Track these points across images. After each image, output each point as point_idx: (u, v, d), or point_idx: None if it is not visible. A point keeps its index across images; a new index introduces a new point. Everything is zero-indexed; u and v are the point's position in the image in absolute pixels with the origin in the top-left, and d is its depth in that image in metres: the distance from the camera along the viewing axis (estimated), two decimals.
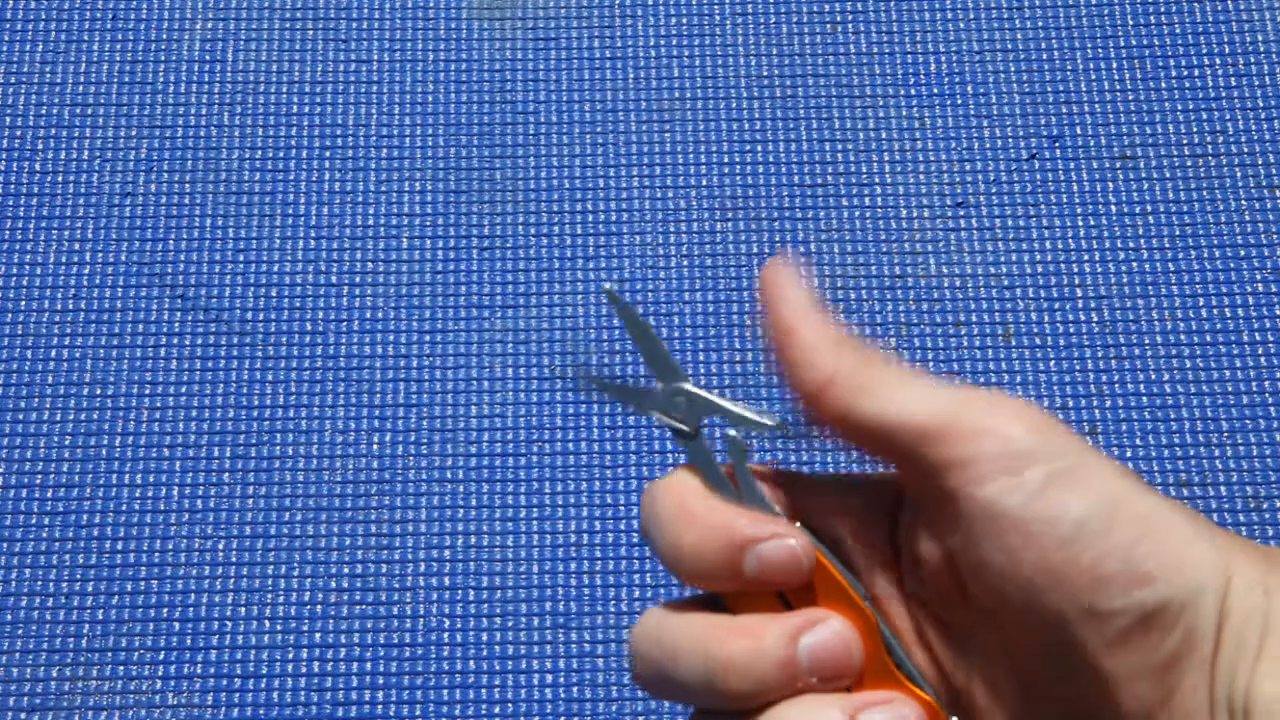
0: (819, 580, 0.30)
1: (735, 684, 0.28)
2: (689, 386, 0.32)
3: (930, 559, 0.29)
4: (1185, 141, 0.89)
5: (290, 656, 0.77)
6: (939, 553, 0.29)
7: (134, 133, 0.90)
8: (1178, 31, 0.92)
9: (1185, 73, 0.91)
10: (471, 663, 0.77)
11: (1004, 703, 0.29)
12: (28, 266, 0.86)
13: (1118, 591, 0.26)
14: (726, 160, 0.89)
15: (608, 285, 0.33)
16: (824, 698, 0.29)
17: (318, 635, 0.78)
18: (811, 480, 0.31)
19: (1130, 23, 0.93)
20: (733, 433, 0.31)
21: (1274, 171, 0.88)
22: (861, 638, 0.29)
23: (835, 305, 0.85)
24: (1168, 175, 0.88)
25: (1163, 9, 0.93)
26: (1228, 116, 0.90)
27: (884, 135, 0.90)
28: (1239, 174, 0.88)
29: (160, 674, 0.77)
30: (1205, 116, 0.90)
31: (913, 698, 0.29)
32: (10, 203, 0.88)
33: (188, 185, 0.88)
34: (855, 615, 0.29)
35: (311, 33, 0.93)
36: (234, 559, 0.79)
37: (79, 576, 0.79)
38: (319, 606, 0.78)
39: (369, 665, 0.77)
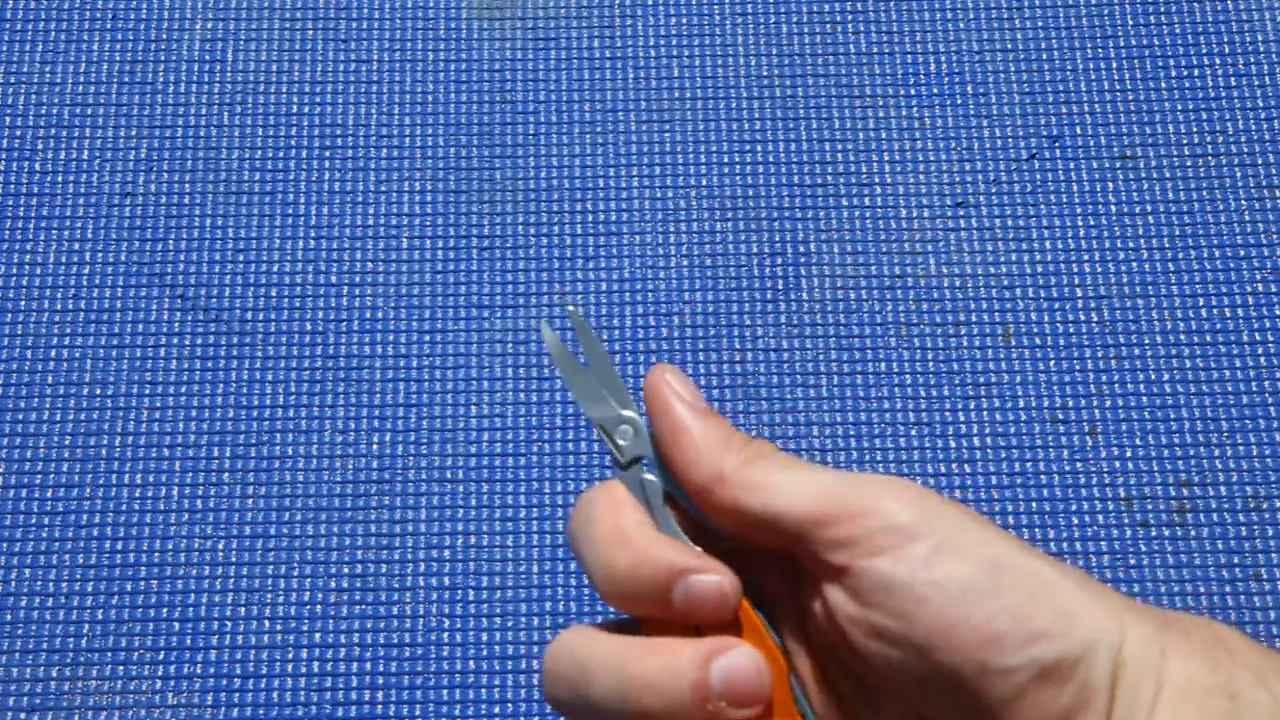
0: (738, 620, 0.31)
1: (647, 702, 0.29)
2: (638, 419, 0.33)
3: (827, 626, 0.30)
4: (1185, 141, 0.89)
5: (290, 656, 0.77)
6: (835, 622, 0.30)
7: (134, 133, 0.90)
8: (1178, 31, 0.92)
9: (1185, 73, 0.91)
10: (471, 663, 0.77)
11: None
12: (28, 266, 0.86)
13: (1010, 649, 0.27)
14: (726, 160, 0.89)
15: (570, 307, 0.34)
16: None
17: (318, 635, 0.78)
18: (719, 533, 0.32)
19: (1130, 23, 0.93)
20: (651, 477, 0.32)
21: (1274, 171, 0.88)
22: (773, 674, 0.30)
23: (833, 308, 0.85)
24: (1168, 175, 0.88)
25: (1163, 9, 0.93)
26: (1228, 116, 0.90)
27: (884, 135, 0.90)
28: (1239, 174, 0.88)
29: (160, 674, 0.77)
30: (1205, 116, 0.90)
31: None
32: (10, 203, 0.88)
33: (188, 185, 0.88)
34: (768, 654, 0.30)
35: (311, 33, 0.93)
36: (234, 559, 0.79)
37: (79, 576, 0.79)
38: (319, 606, 0.78)
39: (369, 665, 0.77)
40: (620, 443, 0.33)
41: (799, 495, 0.30)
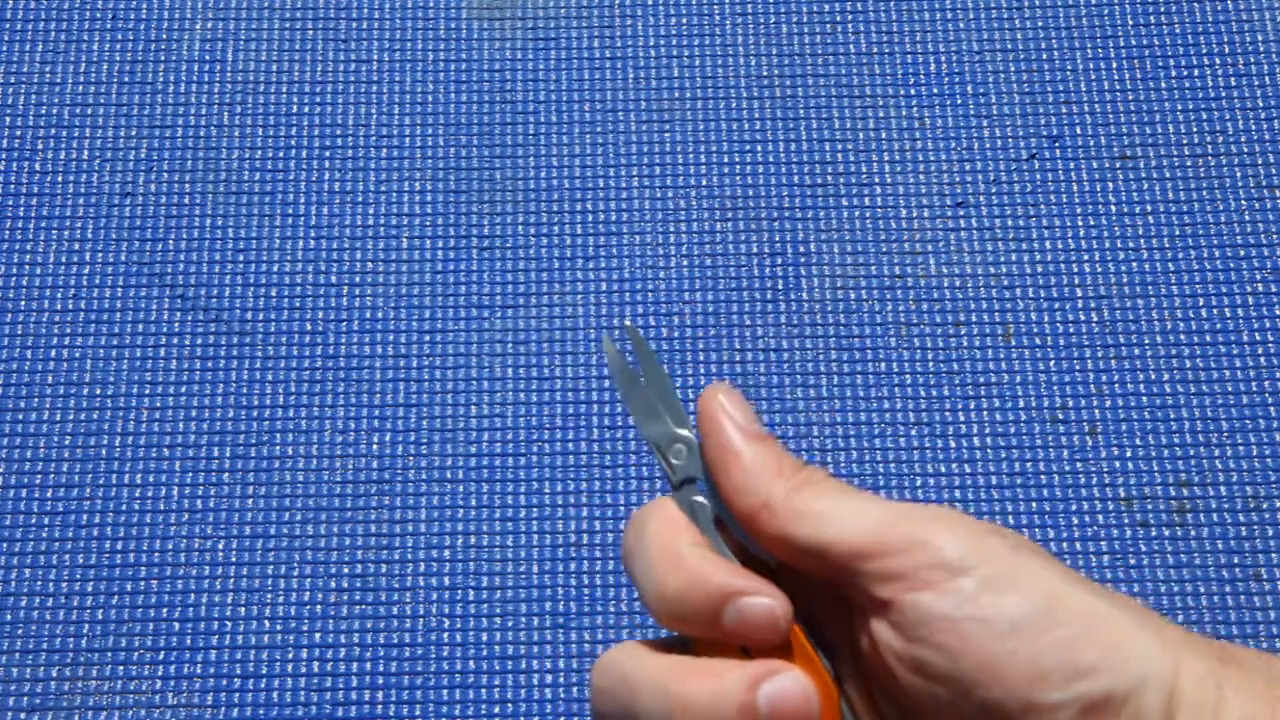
0: (789, 644, 0.30)
1: None
2: (693, 438, 0.33)
3: (873, 659, 0.30)
4: (1185, 141, 0.89)
5: (290, 656, 0.77)
6: (881, 655, 0.30)
7: (134, 133, 0.90)
8: (1178, 31, 0.92)
9: (1185, 73, 0.91)
10: (471, 663, 0.77)
11: None
12: (28, 266, 0.86)
13: (1056, 685, 0.27)
14: (726, 160, 0.89)
15: (627, 323, 0.33)
16: None
17: (318, 635, 0.78)
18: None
19: (1130, 23, 0.93)
20: (702, 499, 0.32)
21: (1274, 171, 0.88)
22: (821, 701, 0.30)
23: (833, 308, 0.85)
24: (1168, 175, 0.88)
25: (1163, 9, 0.93)
26: (1228, 116, 0.90)
27: (884, 135, 0.90)
28: (1239, 174, 0.88)
29: (160, 674, 0.77)
30: (1205, 116, 0.90)
31: None
32: (10, 203, 0.88)
33: (188, 185, 0.88)
34: (818, 679, 0.30)
35: (311, 33, 0.93)
36: (234, 559, 0.79)
37: (79, 576, 0.79)
38: (319, 606, 0.78)
39: (369, 665, 0.77)
40: (674, 462, 0.33)
41: (847, 527, 0.29)
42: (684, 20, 0.93)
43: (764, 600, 0.30)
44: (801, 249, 0.87)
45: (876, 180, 0.88)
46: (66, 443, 0.82)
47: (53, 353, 0.84)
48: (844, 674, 0.31)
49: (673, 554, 0.31)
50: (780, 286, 0.86)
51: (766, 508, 0.30)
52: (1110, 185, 0.88)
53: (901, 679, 0.29)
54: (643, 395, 0.33)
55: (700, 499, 0.32)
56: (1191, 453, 0.81)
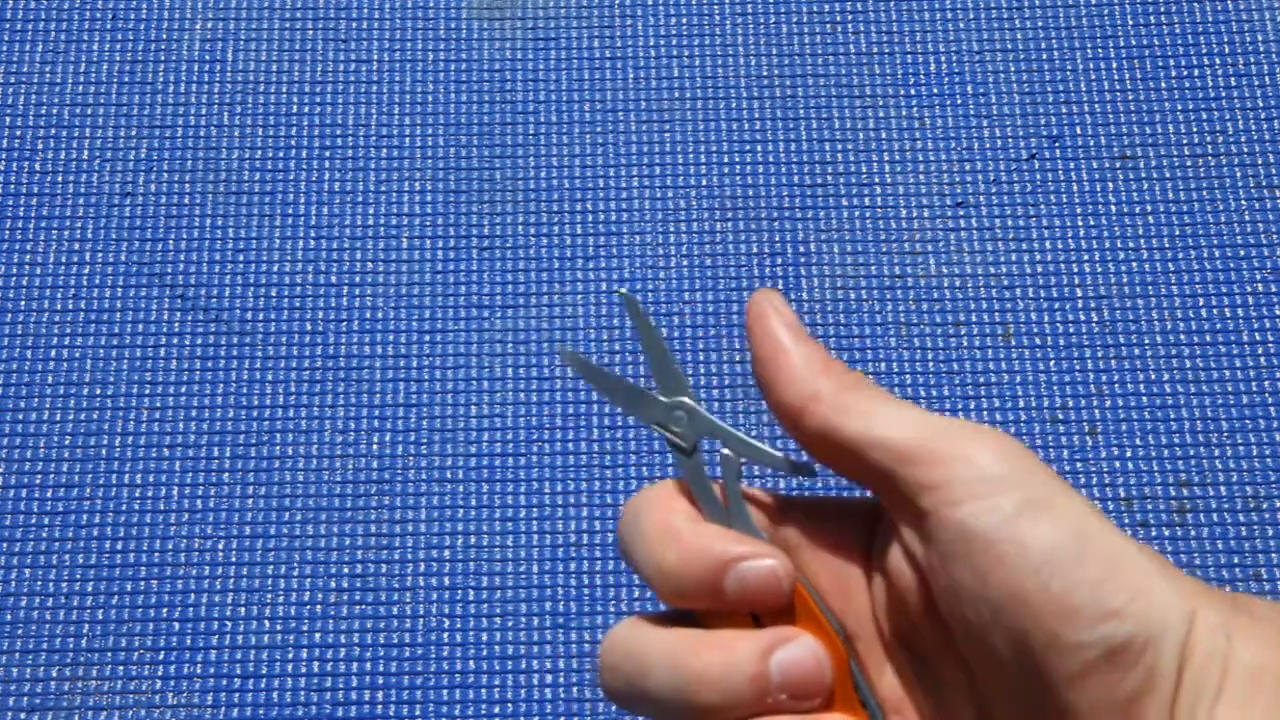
0: (796, 607, 0.30)
1: (705, 697, 0.29)
2: (691, 402, 0.32)
3: (901, 581, 0.30)
4: (1185, 141, 0.89)
5: (290, 656, 0.77)
6: (911, 574, 0.29)
7: (134, 133, 0.90)
8: (1178, 31, 0.92)
9: (1185, 73, 0.91)
10: (471, 663, 0.77)
11: None
12: (28, 266, 0.86)
13: (1085, 624, 0.27)
14: (726, 160, 0.89)
15: (622, 289, 0.33)
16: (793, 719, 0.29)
17: (318, 635, 0.78)
18: (794, 503, 0.32)
19: (1130, 23, 0.93)
20: (727, 452, 0.32)
21: (1274, 171, 0.88)
22: (832, 663, 0.30)
23: (833, 308, 0.85)
24: (1168, 175, 0.88)
25: (1163, 9, 0.93)
26: (1228, 116, 0.90)
27: (884, 135, 0.90)
28: (1239, 174, 0.88)
29: (160, 674, 0.77)
30: (1205, 116, 0.90)
31: None
32: (10, 203, 0.88)
33: (188, 185, 0.88)
34: (827, 642, 0.30)
35: (311, 33, 0.93)
36: (234, 559, 0.79)
37: (79, 576, 0.79)
38: (319, 606, 0.78)
39: (369, 665, 0.77)
40: (677, 430, 0.32)
41: (893, 427, 0.29)
42: (684, 20, 0.93)
43: (765, 562, 0.29)
44: (801, 249, 0.87)
45: (876, 180, 0.88)
46: (66, 443, 0.82)
47: (53, 353, 0.84)
48: (858, 630, 0.31)
49: (669, 529, 0.30)
50: (780, 286, 0.86)
51: (815, 399, 0.30)
52: (1110, 185, 0.88)
53: (922, 613, 0.29)
54: (617, 384, 0.33)
55: (726, 451, 0.32)
56: (1191, 453, 0.81)
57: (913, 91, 0.91)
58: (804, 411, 0.30)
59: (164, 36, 0.93)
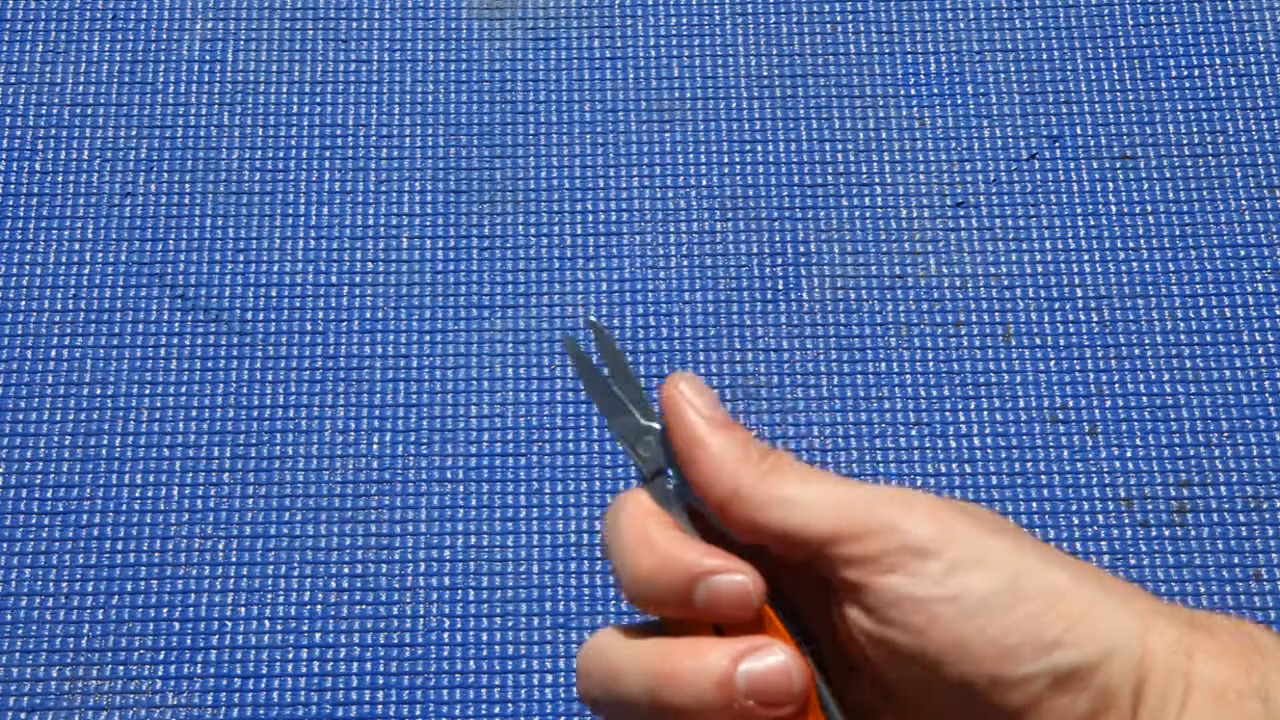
0: (763, 622, 0.31)
1: (674, 698, 0.29)
2: (659, 430, 0.33)
3: (850, 639, 0.30)
4: (1185, 141, 0.89)
5: (290, 656, 0.77)
6: (854, 636, 0.30)
7: (134, 133, 0.90)
8: (1178, 31, 0.92)
9: (1185, 73, 0.91)
10: (471, 663, 0.77)
11: None
12: (28, 266, 0.86)
13: (1026, 660, 0.27)
14: (726, 160, 0.89)
15: (592, 319, 0.34)
16: None
17: (318, 635, 0.78)
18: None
19: (1130, 23, 0.93)
20: (675, 487, 0.32)
21: (1274, 171, 0.88)
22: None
23: (833, 308, 0.85)
24: (1168, 175, 0.88)
25: (1163, 9, 0.93)
26: (1228, 116, 0.90)
27: (884, 135, 0.90)
28: (1239, 174, 0.88)
29: (160, 674, 0.77)
30: (1205, 116, 0.90)
31: None
32: (10, 203, 0.88)
33: (188, 185, 0.88)
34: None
35: (311, 33, 0.93)
36: (234, 559, 0.79)
37: (79, 576, 0.79)
38: (319, 606, 0.78)
39: (369, 665, 0.77)
40: (643, 454, 0.33)
41: (814, 513, 0.30)
42: (684, 20, 0.93)
43: (736, 577, 0.30)
44: (801, 249, 0.87)
45: (876, 180, 0.88)
46: (66, 443, 0.82)
47: (53, 353, 0.84)
48: (825, 655, 0.31)
49: (644, 537, 0.31)
50: (780, 286, 0.86)
51: (736, 496, 0.30)
52: (1110, 185, 0.88)
53: (875, 659, 0.29)
54: (607, 390, 0.33)
55: (672, 487, 0.32)
56: (1191, 453, 0.81)
57: (913, 91, 0.91)
58: (726, 509, 0.31)
59: (164, 36, 0.93)
